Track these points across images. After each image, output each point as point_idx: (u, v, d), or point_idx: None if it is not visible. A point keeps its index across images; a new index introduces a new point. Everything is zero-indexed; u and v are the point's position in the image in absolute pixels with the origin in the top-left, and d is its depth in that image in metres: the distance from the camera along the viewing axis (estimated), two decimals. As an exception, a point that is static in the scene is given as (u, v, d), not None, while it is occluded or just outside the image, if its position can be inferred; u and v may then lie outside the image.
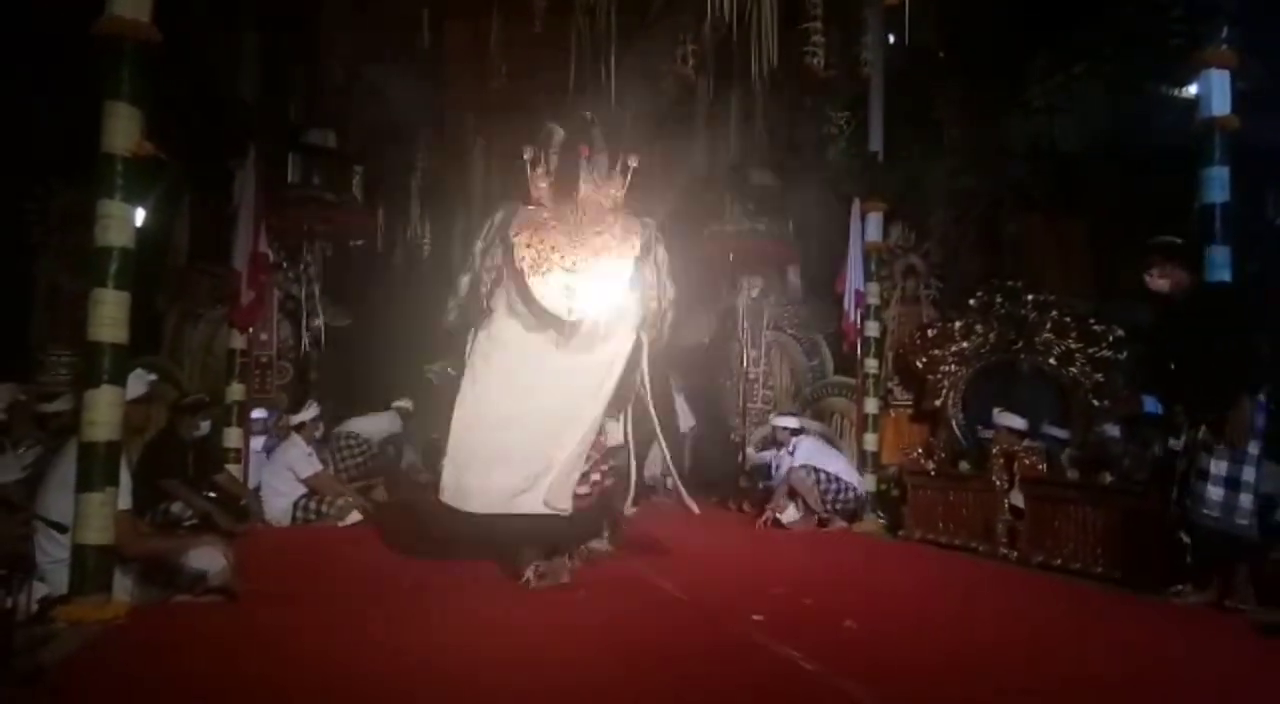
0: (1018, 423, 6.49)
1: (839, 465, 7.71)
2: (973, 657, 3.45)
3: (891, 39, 8.31)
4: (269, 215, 7.71)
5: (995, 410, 6.72)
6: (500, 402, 4.81)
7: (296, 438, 7.31)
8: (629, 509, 5.63)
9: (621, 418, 5.29)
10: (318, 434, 7.89)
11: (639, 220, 5.23)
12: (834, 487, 7.48)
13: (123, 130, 3.75)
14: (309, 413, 7.51)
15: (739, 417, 9.85)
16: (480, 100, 8.27)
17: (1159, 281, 4.38)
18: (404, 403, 9.31)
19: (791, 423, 8.05)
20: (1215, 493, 4.11)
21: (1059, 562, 5.51)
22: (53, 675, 2.71)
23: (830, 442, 8.52)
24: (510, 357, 4.95)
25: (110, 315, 3.71)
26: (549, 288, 4.87)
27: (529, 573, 4.55)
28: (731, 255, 9.72)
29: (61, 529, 3.52)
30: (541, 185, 5.18)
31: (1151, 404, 6.53)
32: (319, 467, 7.27)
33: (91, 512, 3.57)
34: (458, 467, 4.68)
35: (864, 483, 7.79)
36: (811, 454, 7.70)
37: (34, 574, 3.38)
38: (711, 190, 10.60)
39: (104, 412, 3.66)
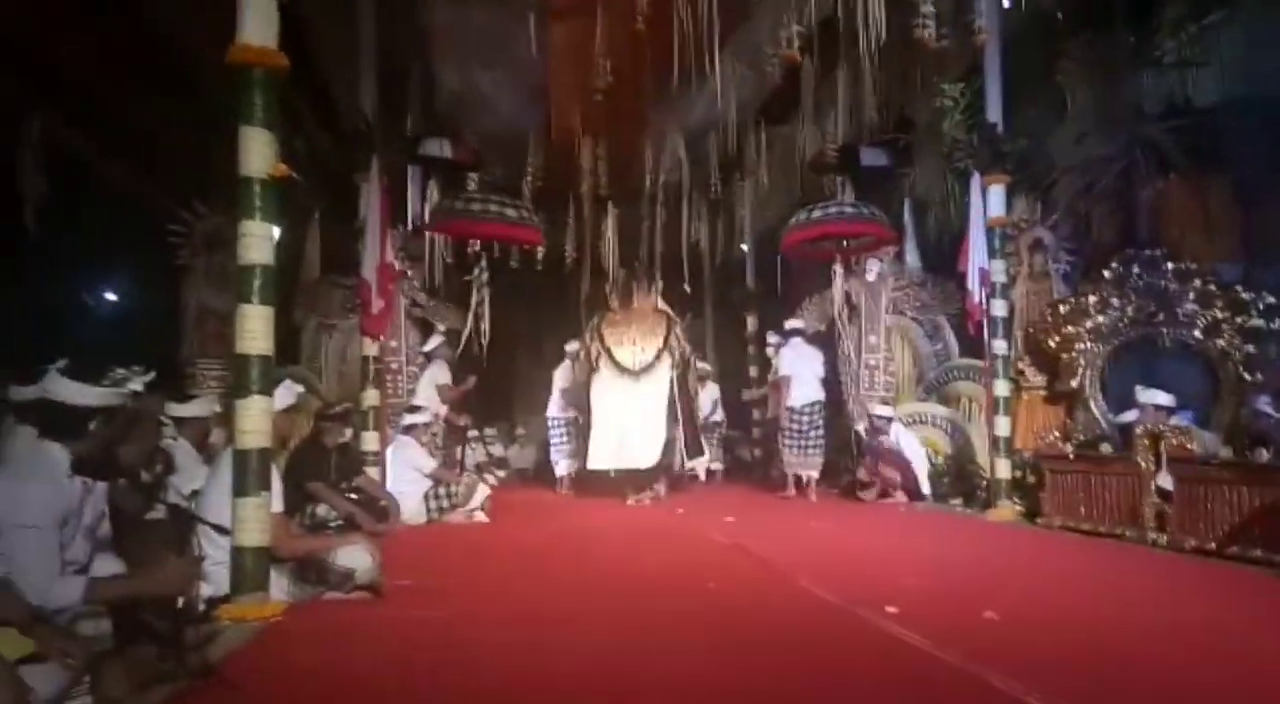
0: (1164, 399, 6.11)
1: (809, 390, 9.03)
2: (1130, 648, 3.28)
3: (1006, 2, 7.95)
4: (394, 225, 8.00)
5: (1138, 387, 6.36)
6: (606, 411, 8.98)
7: (407, 439, 7.61)
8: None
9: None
10: (430, 434, 8.14)
11: (666, 315, 9.65)
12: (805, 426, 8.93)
13: (258, 153, 3.93)
14: (421, 416, 7.78)
15: (855, 404, 9.65)
16: (586, 99, 8.35)
17: None
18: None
19: (793, 323, 9.74)
20: None
21: (1213, 546, 5.20)
22: (223, 670, 2.89)
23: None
24: (607, 388, 9.11)
25: (256, 329, 3.90)
26: (624, 353, 9.18)
27: (630, 500, 8.72)
28: (846, 242, 9.50)
29: (223, 532, 3.75)
30: (614, 301, 9.81)
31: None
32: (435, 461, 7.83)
33: (248, 515, 3.78)
34: (591, 442, 8.96)
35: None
36: (791, 364, 9.12)
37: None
38: (823, 173, 10.41)
39: (255, 420, 3.86)
